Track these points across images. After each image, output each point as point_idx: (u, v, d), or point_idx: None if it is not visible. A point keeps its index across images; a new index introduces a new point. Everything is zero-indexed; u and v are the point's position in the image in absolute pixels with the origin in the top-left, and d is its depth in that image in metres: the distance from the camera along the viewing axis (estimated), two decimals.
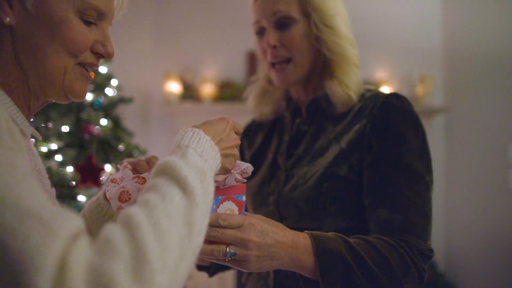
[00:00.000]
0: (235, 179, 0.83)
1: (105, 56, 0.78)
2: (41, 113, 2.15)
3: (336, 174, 1.06)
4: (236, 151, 0.81)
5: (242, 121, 1.38)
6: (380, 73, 3.84)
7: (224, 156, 0.77)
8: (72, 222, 0.54)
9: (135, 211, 0.57)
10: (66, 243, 0.51)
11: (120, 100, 2.43)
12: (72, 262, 0.50)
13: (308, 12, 1.11)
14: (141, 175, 0.83)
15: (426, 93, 3.73)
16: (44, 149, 2.12)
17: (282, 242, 0.85)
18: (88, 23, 0.74)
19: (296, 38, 1.11)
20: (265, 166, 1.22)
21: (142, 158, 0.96)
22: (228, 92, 3.67)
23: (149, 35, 3.93)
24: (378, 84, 3.71)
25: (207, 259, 0.84)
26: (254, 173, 1.24)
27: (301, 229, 0.93)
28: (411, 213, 0.99)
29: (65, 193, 2.10)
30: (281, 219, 1.11)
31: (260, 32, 1.15)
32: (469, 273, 3.51)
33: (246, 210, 1.18)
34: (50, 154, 2.17)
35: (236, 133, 0.83)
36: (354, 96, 1.11)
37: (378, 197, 1.02)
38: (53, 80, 0.73)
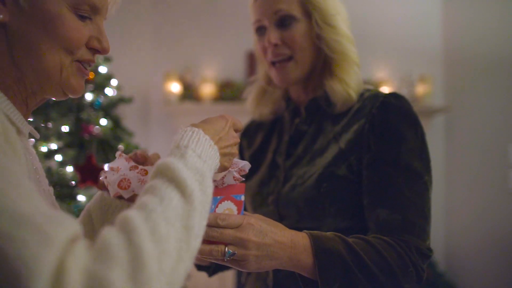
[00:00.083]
0: (233, 177, 0.84)
1: (101, 51, 0.77)
2: (41, 113, 2.16)
3: (335, 174, 1.06)
4: (235, 150, 0.81)
5: (242, 121, 1.38)
6: (380, 73, 3.84)
7: (223, 155, 0.77)
8: (68, 226, 0.54)
9: (133, 214, 0.57)
10: (62, 249, 0.51)
11: (120, 100, 2.43)
12: (70, 268, 0.50)
13: (309, 11, 1.11)
14: (144, 167, 0.83)
15: (426, 93, 3.73)
16: (44, 149, 2.12)
17: (281, 242, 0.86)
18: (82, 18, 0.74)
19: (297, 36, 1.11)
20: (264, 166, 1.22)
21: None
22: (228, 92, 3.67)
23: (149, 35, 3.93)
24: (378, 84, 3.71)
25: (206, 259, 0.84)
26: (253, 173, 1.25)
27: (300, 229, 0.93)
28: (410, 212, 0.99)
29: (65, 193, 2.10)
30: (280, 219, 1.11)
31: (261, 31, 1.15)
32: (469, 273, 3.51)
33: (245, 209, 1.18)
34: (50, 154, 2.17)
35: (236, 130, 0.83)
36: (354, 94, 1.12)
37: (377, 197, 1.02)
38: (50, 77, 0.73)
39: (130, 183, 0.81)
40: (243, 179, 0.86)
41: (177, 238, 0.58)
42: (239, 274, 3.17)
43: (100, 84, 2.34)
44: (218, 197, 0.84)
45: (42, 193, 0.77)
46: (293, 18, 1.11)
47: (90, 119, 2.24)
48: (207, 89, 3.69)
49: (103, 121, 2.28)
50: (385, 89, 3.67)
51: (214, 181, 0.83)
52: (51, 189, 0.86)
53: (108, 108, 2.37)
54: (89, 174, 2.05)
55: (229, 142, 0.79)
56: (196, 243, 0.62)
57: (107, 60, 2.40)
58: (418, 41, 3.87)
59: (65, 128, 2.19)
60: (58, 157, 2.16)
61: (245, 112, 1.32)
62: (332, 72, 1.13)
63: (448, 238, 3.76)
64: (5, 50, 0.71)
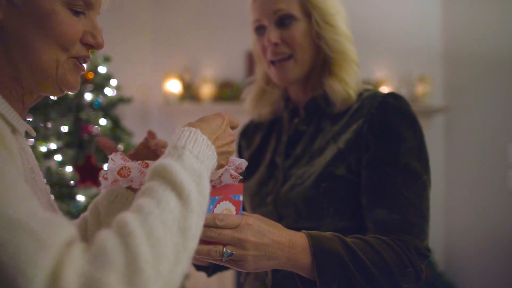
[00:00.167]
0: (231, 175, 0.83)
1: (96, 47, 0.77)
2: (41, 113, 2.16)
3: (334, 174, 1.06)
4: (232, 147, 0.81)
5: (241, 121, 1.38)
6: (379, 73, 3.84)
7: (220, 153, 0.77)
8: (64, 230, 0.54)
9: (129, 218, 0.57)
10: (58, 253, 0.51)
11: (119, 100, 2.43)
12: (66, 272, 0.50)
13: (309, 10, 1.12)
14: (146, 161, 0.83)
15: (425, 93, 3.73)
16: (43, 149, 2.12)
17: (279, 242, 0.86)
18: (76, 13, 0.73)
19: (297, 36, 1.11)
20: (263, 166, 1.22)
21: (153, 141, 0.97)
22: (228, 92, 3.67)
23: (149, 35, 3.93)
24: (377, 84, 3.71)
25: (204, 259, 0.84)
26: (252, 173, 1.25)
27: (299, 229, 0.93)
28: (409, 212, 0.99)
29: (64, 193, 2.10)
30: (279, 219, 1.11)
31: (260, 31, 1.15)
32: (468, 273, 3.51)
33: (243, 209, 1.18)
34: (50, 154, 2.17)
35: (232, 127, 0.83)
36: (353, 94, 1.12)
37: (376, 197, 1.02)
38: (46, 74, 0.72)
39: (130, 172, 0.81)
40: (241, 177, 0.86)
41: (174, 241, 0.58)
42: (238, 274, 3.17)
43: (99, 84, 2.35)
44: (217, 197, 0.84)
45: (38, 192, 0.77)
46: (293, 18, 1.11)
47: (90, 119, 2.24)
48: (207, 89, 3.69)
49: (103, 121, 2.28)
50: (385, 89, 3.67)
51: (212, 180, 0.83)
52: (47, 187, 0.86)
53: (107, 108, 2.38)
54: (88, 174, 2.05)
55: (226, 141, 0.79)
56: (193, 244, 0.62)
57: (106, 60, 2.40)
58: (417, 41, 3.87)
59: (64, 128, 2.19)
60: (58, 157, 2.17)
61: (244, 112, 1.32)
62: (332, 72, 1.13)
63: (447, 238, 3.76)
64: (0, 49, 0.71)
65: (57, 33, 0.71)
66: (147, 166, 0.82)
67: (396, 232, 0.98)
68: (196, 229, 0.62)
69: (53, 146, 2.15)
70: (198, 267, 1.18)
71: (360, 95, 1.13)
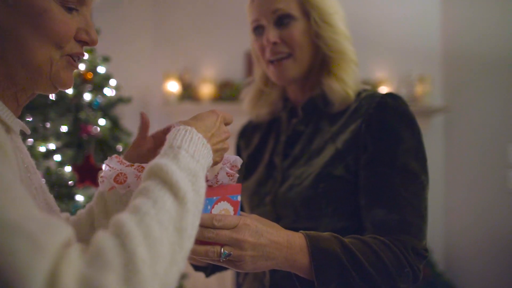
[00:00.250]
0: (227, 173, 0.84)
1: (90, 43, 0.76)
2: (40, 113, 2.16)
3: (332, 174, 1.06)
4: (227, 144, 0.81)
5: (241, 121, 1.38)
6: (379, 73, 3.84)
7: (215, 151, 0.77)
8: (60, 232, 0.53)
9: (126, 218, 0.57)
10: (55, 256, 0.51)
11: (118, 100, 2.43)
12: (64, 274, 0.50)
13: (308, 10, 1.12)
14: (141, 164, 0.83)
15: (425, 93, 3.73)
16: (42, 149, 2.12)
17: (277, 242, 0.86)
18: (69, 10, 0.72)
19: (296, 35, 1.11)
20: (261, 166, 1.23)
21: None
22: (227, 92, 3.67)
23: (149, 35, 3.93)
24: (377, 84, 3.71)
25: (202, 260, 0.84)
26: (251, 173, 1.25)
27: (297, 229, 0.93)
28: (407, 213, 0.99)
29: (63, 193, 2.10)
30: (278, 219, 1.11)
31: (258, 31, 1.15)
32: (468, 272, 3.51)
33: (242, 210, 1.18)
34: (49, 154, 2.17)
35: (226, 124, 0.83)
36: (351, 93, 1.12)
37: (374, 197, 1.02)
38: (40, 72, 0.72)
39: (126, 177, 0.81)
40: (237, 174, 0.86)
41: (171, 241, 0.58)
42: (237, 274, 3.17)
43: (98, 84, 2.34)
44: (214, 197, 0.84)
45: (34, 192, 0.77)
46: (292, 17, 1.12)
47: (89, 119, 2.24)
48: (206, 89, 3.69)
49: (102, 121, 2.28)
50: (384, 89, 3.67)
51: (208, 180, 0.83)
52: (44, 186, 0.85)
53: (106, 108, 2.37)
54: (87, 174, 2.05)
55: (221, 138, 0.79)
56: (189, 243, 0.62)
57: (105, 60, 2.40)
58: (417, 41, 3.87)
59: (63, 128, 2.19)
60: (57, 157, 2.17)
61: (244, 112, 1.33)
62: (331, 71, 1.14)
63: (447, 237, 3.76)
64: None
65: (51, 31, 0.70)
66: (142, 169, 0.81)
67: (394, 232, 0.98)
68: (192, 229, 0.63)
69: (52, 146, 2.15)
70: (197, 268, 1.18)
71: (358, 95, 1.14)
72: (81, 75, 2.29)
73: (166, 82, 3.72)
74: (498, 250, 3.15)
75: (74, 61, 0.76)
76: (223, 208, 0.85)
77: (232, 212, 0.87)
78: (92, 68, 2.34)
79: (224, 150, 0.81)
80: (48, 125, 2.15)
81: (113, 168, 0.81)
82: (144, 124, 0.93)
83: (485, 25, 3.36)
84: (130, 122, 2.89)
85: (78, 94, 2.27)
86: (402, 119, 1.05)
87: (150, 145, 0.93)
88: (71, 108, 2.25)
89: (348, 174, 1.06)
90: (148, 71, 3.91)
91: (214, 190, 0.84)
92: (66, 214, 1.01)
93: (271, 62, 1.14)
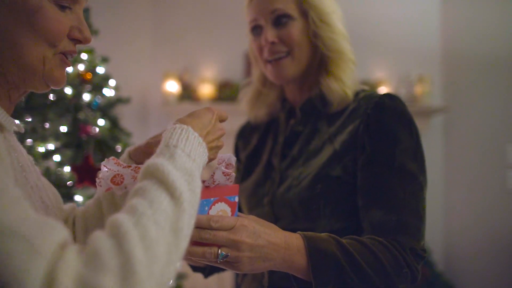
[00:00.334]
0: (223, 172, 0.84)
1: (83, 41, 0.76)
2: (39, 114, 2.15)
3: (329, 175, 1.06)
4: (221, 142, 0.82)
5: (240, 122, 1.38)
6: (378, 73, 3.84)
7: (210, 149, 0.77)
8: (56, 233, 0.54)
9: (123, 219, 0.57)
10: (51, 258, 0.51)
11: (118, 100, 2.42)
12: (61, 277, 0.50)
13: (306, 10, 1.12)
14: (138, 165, 0.83)
15: (424, 93, 3.73)
16: (41, 149, 2.12)
17: (274, 243, 0.86)
18: (62, 8, 0.72)
19: (294, 34, 1.12)
20: (260, 167, 1.23)
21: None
22: (227, 92, 3.67)
23: (148, 35, 3.93)
24: (376, 84, 3.71)
25: (199, 261, 0.84)
26: (249, 174, 1.25)
27: (295, 230, 0.93)
28: (404, 213, 0.99)
29: (62, 193, 2.09)
30: (276, 220, 1.11)
31: (256, 31, 1.16)
32: (467, 272, 3.51)
33: (240, 211, 1.18)
34: (48, 154, 2.16)
35: (221, 121, 0.84)
36: (350, 93, 1.12)
37: (372, 198, 1.02)
38: (33, 70, 0.72)
39: (123, 179, 0.81)
40: (234, 173, 0.86)
41: (167, 241, 0.59)
42: (237, 275, 3.17)
43: (98, 84, 2.34)
44: (212, 198, 0.84)
45: (30, 191, 0.76)
46: (290, 17, 1.12)
47: (88, 119, 2.24)
48: (206, 89, 3.69)
49: (101, 122, 2.27)
50: (384, 89, 3.67)
51: (204, 181, 0.83)
52: (40, 184, 0.85)
53: (106, 109, 2.37)
54: (86, 175, 2.05)
55: (216, 135, 0.80)
56: (185, 243, 0.62)
57: (105, 61, 2.40)
58: (416, 41, 3.87)
59: (62, 129, 2.19)
60: (56, 158, 2.16)
61: (243, 113, 1.33)
62: (329, 70, 1.14)
63: (446, 237, 3.76)
64: None
65: (44, 29, 0.70)
66: (139, 171, 0.82)
67: (392, 233, 0.98)
68: (188, 228, 0.63)
69: (51, 146, 2.14)
70: (195, 268, 1.18)
71: (356, 95, 1.14)
72: (80, 76, 2.29)
73: (165, 82, 3.72)
74: (497, 250, 3.15)
75: (67, 58, 0.76)
76: (221, 209, 0.85)
77: (229, 213, 0.87)
78: (91, 68, 2.33)
79: (219, 147, 0.81)
80: (47, 125, 2.14)
81: (110, 169, 0.81)
82: None
83: (485, 25, 3.36)
84: (129, 123, 2.89)
85: (77, 94, 2.27)
86: (400, 119, 1.05)
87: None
88: (70, 109, 2.25)
89: (346, 174, 1.06)
90: (148, 71, 3.91)
91: (211, 191, 0.84)
92: (71, 205, 1.01)
93: (269, 61, 1.14)
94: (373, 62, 3.82)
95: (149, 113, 3.93)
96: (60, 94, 2.19)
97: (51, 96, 2.17)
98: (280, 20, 1.12)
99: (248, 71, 3.72)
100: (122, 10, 3.79)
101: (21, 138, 2.04)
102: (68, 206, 1.03)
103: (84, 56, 2.29)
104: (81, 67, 2.30)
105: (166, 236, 0.59)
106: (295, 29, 1.12)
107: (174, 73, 3.74)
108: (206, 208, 0.83)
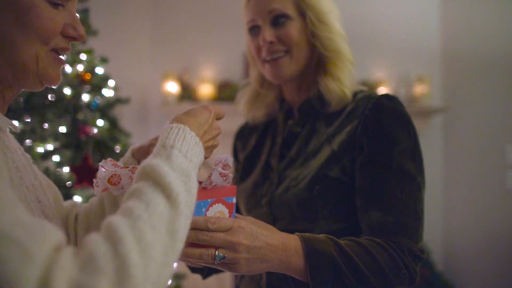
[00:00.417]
0: (220, 173, 0.83)
1: (77, 38, 0.76)
2: (38, 114, 2.15)
3: (327, 176, 1.06)
4: (217, 141, 0.82)
5: (239, 122, 1.38)
6: (378, 74, 3.83)
7: (206, 148, 0.77)
8: (50, 237, 0.53)
9: (119, 222, 0.57)
10: (46, 262, 0.50)
11: (117, 100, 2.42)
12: (55, 280, 0.49)
13: (303, 10, 1.12)
14: (136, 166, 0.83)
15: (424, 94, 3.73)
16: (40, 149, 2.12)
17: (272, 244, 0.85)
18: (55, 5, 0.72)
19: (292, 34, 1.12)
20: (258, 168, 1.22)
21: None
22: (226, 93, 3.67)
23: (148, 35, 3.93)
24: (376, 84, 3.71)
25: (197, 263, 0.84)
26: (247, 175, 1.25)
27: (294, 231, 0.92)
28: (402, 214, 0.99)
29: (61, 194, 2.10)
30: (274, 221, 1.11)
31: (254, 31, 1.16)
32: (467, 273, 3.51)
33: (238, 212, 1.17)
34: (47, 154, 2.16)
35: (218, 119, 0.83)
36: (348, 93, 1.12)
37: (370, 199, 1.02)
38: (26, 69, 0.71)
39: (120, 179, 0.81)
40: (231, 174, 0.85)
41: (163, 244, 0.58)
42: (236, 275, 3.17)
43: (97, 85, 2.34)
44: (209, 200, 0.84)
45: (25, 190, 0.76)
46: (288, 17, 1.12)
47: (87, 120, 2.24)
48: (205, 90, 3.69)
49: (100, 122, 2.27)
50: (383, 89, 3.67)
51: (201, 182, 0.83)
52: (37, 183, 0.84)
53: (105, 109, 2.37)
54: (85, 175, 2.05)
55: (212, 135, 0.79)
56: (181, 245, 0.62)
57: (104, 61, 2.40)
58: (416, 41, 3.87)
59: (61, 129, 2.19)
60: (55, 158, 2.16)
61: (242, 113, 1.33)
62: (327, 70, 1.14)
63: (446, 238, 3.76)
64: None
65: (37, 28, 0.69)
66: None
67: (390, 234, 0.98)
68: (184, 230, 0.63)
69: (50, 147, 2.14)
70: (193, 269, 1.18)
71: (354, 95, 1.14)
72: (79, 76, 2.29)
73: (165, 83, 3.72)
74: (497, 250, 3.15)
75: (60, 55, 0.75)
76: (218, 211, 0.85)
77: (227, 214, 0.86)
78: (90, 69, 2.33)
79: (214, 146, 0.81)
80: (46, 126, 2.14)
81: (107, 170, 0.81)
82: None
83: (485, 25, 3.35)
84: (129, 123, 2.89)
85: (76, 95, 2.27)
86: (398, 120, 1.05)
87: None
88: (69, 109, 2.25)
89: (344, 175, 1.05)
90: (147, 71, 3.91)
91: (208, 192, 0.83)
92: (72, 202, 1.00)
93: (267, 61, 1.14)
94: (373, 62, 3.82)
95: (149, 113, 3.93)
96: (59, 95, 2.19)
97: (50, 97, 2.17)
98: (278, 20, 1.12)
99: (247, 72, 3.72)
100: (122, 10, 3.79)
101: (20, 138, 2.04)
102: (68, 203, 1.02)
103: (83, 56, 2.29)
104: (80, 67, 2.30)
105: (162, 239, 0.58)
106: (293, 28, 1.12)
107: (173, 74, 3.74)
108: (204, 210, 0.83)
